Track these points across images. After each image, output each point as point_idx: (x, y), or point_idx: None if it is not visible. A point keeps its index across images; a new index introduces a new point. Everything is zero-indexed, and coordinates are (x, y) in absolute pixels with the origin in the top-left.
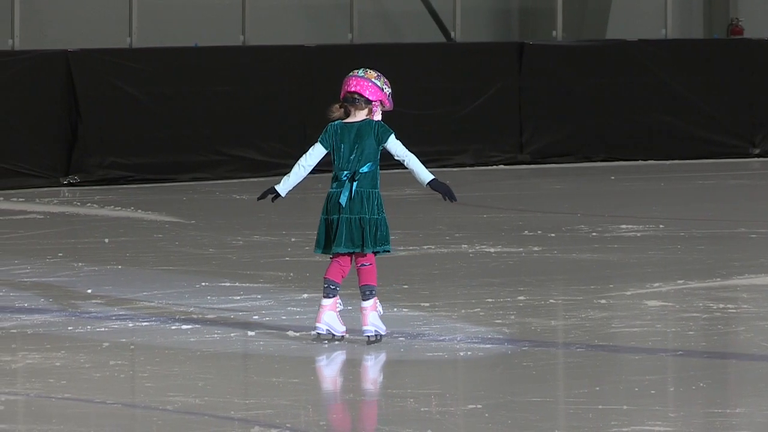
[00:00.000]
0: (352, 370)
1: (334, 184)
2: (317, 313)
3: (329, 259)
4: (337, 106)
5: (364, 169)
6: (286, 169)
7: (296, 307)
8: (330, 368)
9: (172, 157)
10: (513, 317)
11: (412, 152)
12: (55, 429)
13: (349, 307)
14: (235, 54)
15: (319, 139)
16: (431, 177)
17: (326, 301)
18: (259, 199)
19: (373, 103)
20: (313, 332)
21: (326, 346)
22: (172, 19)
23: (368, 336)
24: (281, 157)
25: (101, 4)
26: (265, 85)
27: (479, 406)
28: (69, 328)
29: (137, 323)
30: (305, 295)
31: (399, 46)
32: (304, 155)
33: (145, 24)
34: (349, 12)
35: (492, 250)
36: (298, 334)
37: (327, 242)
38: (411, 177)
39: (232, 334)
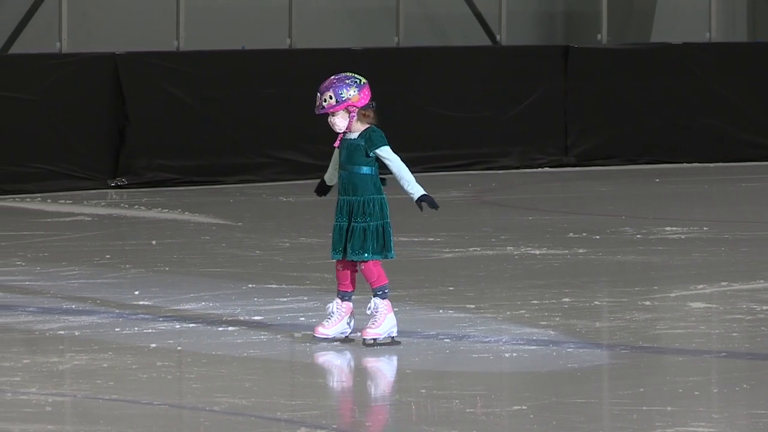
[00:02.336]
0: (398, 371)
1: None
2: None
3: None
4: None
5: None
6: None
7: None
8: (376, 369)
9: (219, 160)
10: (558, 319)
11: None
12: (102, 430)
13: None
14: (281, 57)
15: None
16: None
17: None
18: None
19: None
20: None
21: (374, 348)
22: (219, 23)
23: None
24: (327, 160)
25: (149, 7)
26: (312, 88)
27: (524, 407)
28: (116, 329)
29: (184, 325)
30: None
31: (445, 49)
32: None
33: (192, 27)
34: (395, 15)
35: (537, 252)
36: (344, 335)
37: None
38: (456, 179)
39: (278, 336)
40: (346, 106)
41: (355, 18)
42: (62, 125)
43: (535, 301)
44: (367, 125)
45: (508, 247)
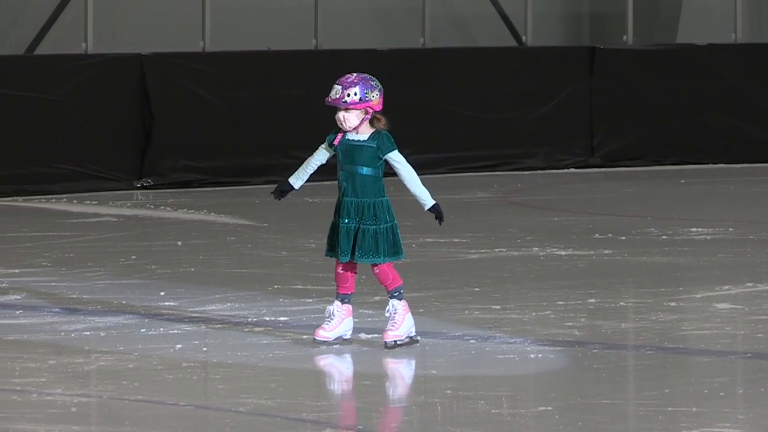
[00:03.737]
0: (423, 372)
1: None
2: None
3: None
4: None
5: None
6: None
7: (368, 310)
8: (401, 370)
9: (245, 160)
10: (583, 320)
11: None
12: (127, 430)
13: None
14: (307, 58)
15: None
16: None
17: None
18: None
19: None
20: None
21: (399, 349)
22: (244, 24)
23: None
24: None
25: (174, 8)
26: None
27: (550, 408)
28: (142, 330)
29: (210, 326)
30: (377, 298)
31: (470, 50)
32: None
33: (217, 28)
34: (420, 16)
35: (563, 253)
36: (369, 336)
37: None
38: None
39: (303, 337)
40: (366, 107)
41: (381, 19)
42: (88, 126)
43: (561, 302)
44: (374, 129)
45: (534, 248)
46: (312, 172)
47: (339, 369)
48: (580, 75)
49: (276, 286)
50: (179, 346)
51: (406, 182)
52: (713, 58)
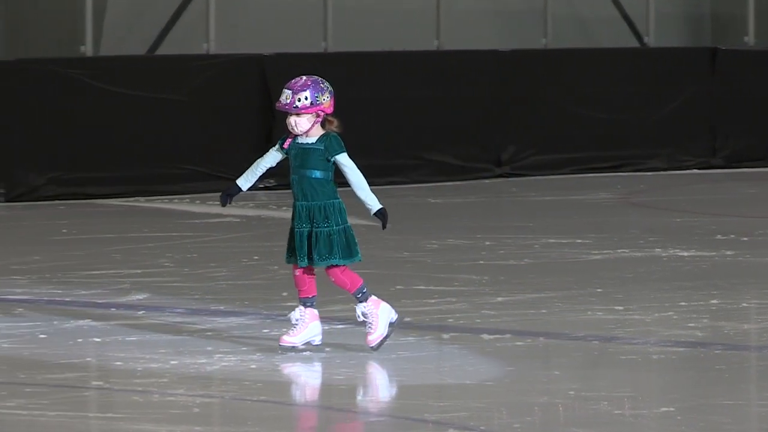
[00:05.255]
0: (545, 373)
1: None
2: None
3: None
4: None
5: None
6: (483, 172)
7: (490, 311)
8: (523, 371)
9: (368, 161)
10: (706, 321)
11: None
12: (250, 431)
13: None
14: (429, 58)
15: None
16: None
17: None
18: None
19: None
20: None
21: (522, 347)
22: (366, 24)
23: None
24: (476, 161)
25: (296, 9)
26: (459, 89)
27: (672, 408)
28: (264, 330)
29: (332, 326)
30: (499, 299)
31: (592, 50)
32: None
33: (339, 29)
34: (543, 16)
35: (685, 253)
36: (492, 337)
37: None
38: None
39: (426, 337)
40: (317, 110)
41: (503, 19)
42: (210, 126)
43: (683, 303)
44: (323, 131)
45: (656, 249)
46: (261, 174)
47: (461, 370)
48: (701, 76)
49: (399, 287)
50: (302, 346)
51: (353, 186)
52: None
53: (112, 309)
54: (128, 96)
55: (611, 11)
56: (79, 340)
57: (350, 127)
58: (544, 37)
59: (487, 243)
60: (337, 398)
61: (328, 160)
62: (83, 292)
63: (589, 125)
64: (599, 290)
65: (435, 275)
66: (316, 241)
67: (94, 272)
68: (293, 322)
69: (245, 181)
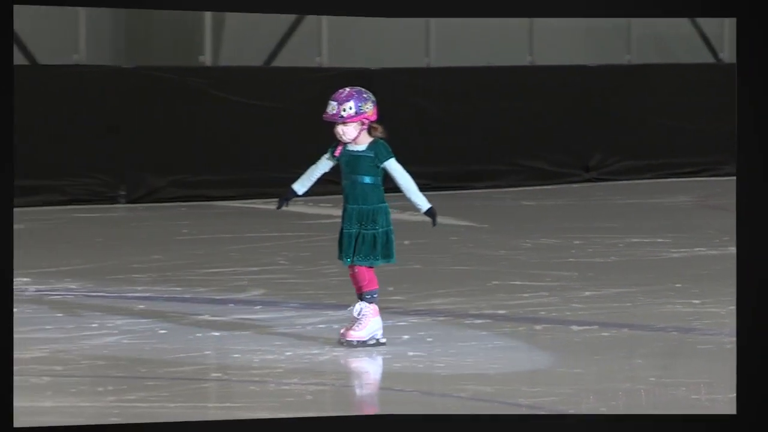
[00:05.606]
0: (629, 361)
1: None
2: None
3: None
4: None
5: None
6: (572, 177)
7: (579, 304)
8: (608, 360)
9: (467, 167)
10: None
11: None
12: (356, 414)
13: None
14: (523, 73)
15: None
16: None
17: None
18: None
19: None
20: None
21: (606, 338)
22: (466, 41)
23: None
24: (568, 167)
25: (401, 27)
26: (550, 101)
27: None
28: None
29: (434, 318)
30: (587, 293)
31: (672, 66)
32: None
33: (441, 45)
34: (627, 34)
35: None
36: (580, 328)
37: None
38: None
39: (520, 328)
40: (361, 118)
41: (590, 37)
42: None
43: None
44: (372, 138)
45: (730, 248)
46: (315, 180)
47: (552, 358)
48: None
49: (495, 282)
50: (406, 336)
51: (403, 189)
52: None
53: (230, 305)
54: (246, 105)
55: (689, 29)
56: (198, 334)
57: (448, 136)
58: (627, 53)
59: (576, 242)
60: (439, 384)
61: (378, 167)
62: (202, 289)
63: (668, 134)
64: (678, 285)
65: (529, 271)
66: (363, 242)
67: (212, 270)
68: (356, 316)
69: (300, 186)
